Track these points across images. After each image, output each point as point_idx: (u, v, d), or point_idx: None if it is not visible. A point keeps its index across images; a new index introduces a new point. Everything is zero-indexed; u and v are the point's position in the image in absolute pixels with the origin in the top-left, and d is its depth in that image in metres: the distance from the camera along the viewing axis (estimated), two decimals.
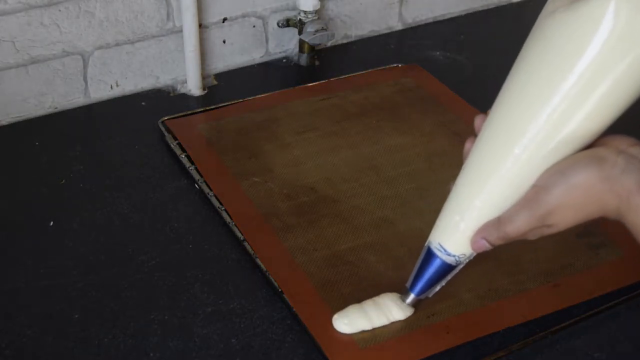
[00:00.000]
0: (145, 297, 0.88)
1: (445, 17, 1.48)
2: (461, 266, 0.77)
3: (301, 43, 1.32)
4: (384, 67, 1.30)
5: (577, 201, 0.65)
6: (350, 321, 0.82)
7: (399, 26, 1.45)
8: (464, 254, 0.75)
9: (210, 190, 1.02)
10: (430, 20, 1.47)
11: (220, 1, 1.25)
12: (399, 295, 0.84)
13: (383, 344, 0.81)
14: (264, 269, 0.90)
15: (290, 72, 1.32)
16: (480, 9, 1.49)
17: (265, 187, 1.03)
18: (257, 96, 1.22)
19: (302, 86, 1.26)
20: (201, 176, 1.04)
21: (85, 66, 1.18)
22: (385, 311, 0.83)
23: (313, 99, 1.21)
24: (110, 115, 1.19)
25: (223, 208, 0.99)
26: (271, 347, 0.82)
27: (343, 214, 0.98)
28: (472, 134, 0.73)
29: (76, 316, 0.85)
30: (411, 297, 0.81)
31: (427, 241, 0.77)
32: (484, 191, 0.70)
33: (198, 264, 0.92)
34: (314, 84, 1.26)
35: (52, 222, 0.98)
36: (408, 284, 0.81)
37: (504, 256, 0.92)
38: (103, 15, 1.16)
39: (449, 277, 0.78)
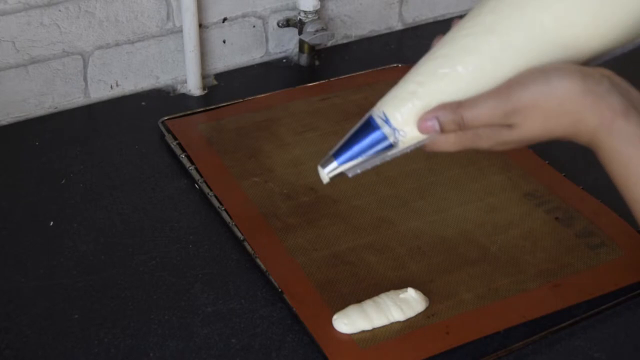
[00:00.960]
0: (145, 297, 0.88)
1: (445, 17, 1.48)
2: (394, 154, 0.67)
3: (301, 43, 1.32)
4: (384, 67, 1.30)
5: (550, 107, 0.59)
6: (350, 321, 0.82)
7: (399, 26, 1.45)
8: (405, 134, 0.65)
9: (210, 190, 1.02)
10: (430, 20, 1.47)
11: (220, 1, 1.25)
12: (399, 293, 0.84)
13: (383, 344, 0.81)
14: (264, 269, 0.90)
15: (290, 72, 1.32)
16: None
17: (265, 187, 1.03)
18: (257, 96, 1.22)
19: (302, 86, 1.26)
20: (201, 176, 1.04)
21: (85, 66, 1.18)
22: (385, 311, 0.83)
23: (313, 99, 1.21)
24: (110, 115, 1.19)
25: (223, 208, 0.99)
26: (271, 347, 0.82)
27: (343, 214, 0.98)
28: None
29: (76, 316, 0.85)
30: (333, 164, 0.68)
31: (370, 110, 0.68)
32: (451, 70, 0.63)
33: (198, 264, 0.92)
34: (314, 84, 1.26)
35: (52, 222, 0.98)
36: (332, 151, 0.69)
37: (504, 257, 0.92)
38: (103, 15, 1.16)
39: (378, 161, 0.68)
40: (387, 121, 0.66)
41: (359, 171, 0.68)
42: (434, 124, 0.63)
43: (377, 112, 0.67)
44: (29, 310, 0.86)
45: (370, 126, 0.67)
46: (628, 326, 0.86)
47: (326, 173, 0.69)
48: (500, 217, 0.98)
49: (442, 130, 0.63)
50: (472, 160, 1.08)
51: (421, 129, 0.64)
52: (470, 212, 0.99)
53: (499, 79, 0.61)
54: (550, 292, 0.88)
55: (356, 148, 0.67)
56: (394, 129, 0.65)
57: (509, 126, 0.61)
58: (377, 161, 0.67)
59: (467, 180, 1.04)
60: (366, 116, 0.68)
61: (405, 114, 0.65)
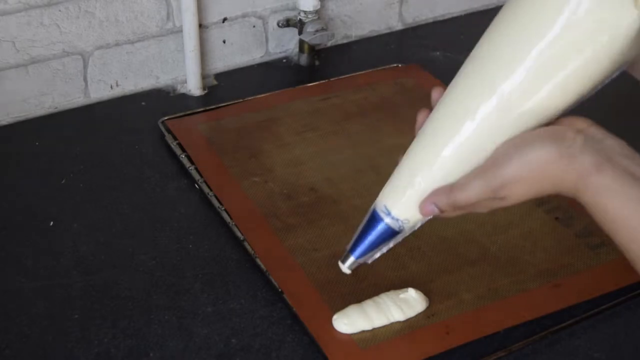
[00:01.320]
0: (145, 297, 0.88)
1: (445, 17, 1.48)
2: (404, 234, 0.74)
3: (301, 43, 1.32)
4: (384, 67, 1.30)
5: (532, 176, 0.64)
6: (350, 321, 0.82)
7: (399, 26, 1.45)
8: (408, 220, 0.72)
9: (210, 190, 1.02)
10: (430, 20, 1.47)
11: (220, 1, 1.25)
12: (399, 293, 0.84)
13: (383, 344, 0.81)
14: (264, 269, 0.90)
15: (290, 72, 1.32)
16: (480, 9, 1.49)
17: (265, 187, 1.03)
18: (257, 96, 1.22)
19: (302, 86, 1.26)
20: (201, 176, 1.04)
21: (85, 66, 1.18)
22: (385, 311, 0.83)
23: (313, 99, 1.21)
24: (110, 115, 1.19)
25: (223, 208, 0.99)
26: (271, 347, 0.82)
27: (343, 214, 0.98)
28: None
29: (76, 316, 0.85)
30: (350, 259, 0.76)
31: (374, 203, 0.74)
32: (437, 158, 0.68)
33: (198, 264, 0.92)
34: (314, 84, 1.26)
35: (52, 222, 0.98)
36: (348, 246, 0.76)
37: (504, 257, 0.92)
38: (103, 15, 1.16)
39: (391, 244, 0.75)
40: (389, 214, 0.72)
41: (377, 256, 0.76)
42: (433, 208, 0.69)
43: (379, 206, 0.73)
44: (29, 310, 0.86)
45: (375, 220, 0.74)
46: (628, 326, 0.86)
47: (347, 267, 0.77)
48: (500, 217, 0.98)
49: (440, 212, 0.69)
50: None
51: (423, 213, 0.70)
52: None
53: (481, 156, 0.66)
54: (550, 292, 0.88)
55: (367, 242, 0.75)
56: (397, 220, 0.72)
57: (501, 198, 0.66)
58: (390, 244, 0.75)
59: None
60: (371, 210, 0.74)
61: (404, 205, 0.71)
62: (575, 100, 0.65)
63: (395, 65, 1.31)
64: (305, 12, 1.28)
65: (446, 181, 0.68)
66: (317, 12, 1.29)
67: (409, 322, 0.83)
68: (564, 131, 0.64)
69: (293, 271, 0.89)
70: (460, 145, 0.67)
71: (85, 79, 1.19)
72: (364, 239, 0.75)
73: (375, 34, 1.43)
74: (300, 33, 1.29)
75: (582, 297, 0.87)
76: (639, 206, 0.61)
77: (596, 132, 0.64)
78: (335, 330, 0.82)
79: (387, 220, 0.73)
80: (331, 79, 1.27)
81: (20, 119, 1.17)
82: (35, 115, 1.17)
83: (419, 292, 0.85)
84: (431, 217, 0.72)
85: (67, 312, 0.86)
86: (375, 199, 1.03)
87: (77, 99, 1.20)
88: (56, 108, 1.19)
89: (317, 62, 1.34)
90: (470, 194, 0.66)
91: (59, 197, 1.02)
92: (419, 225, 0.74)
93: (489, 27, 0.68)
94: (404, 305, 0.84)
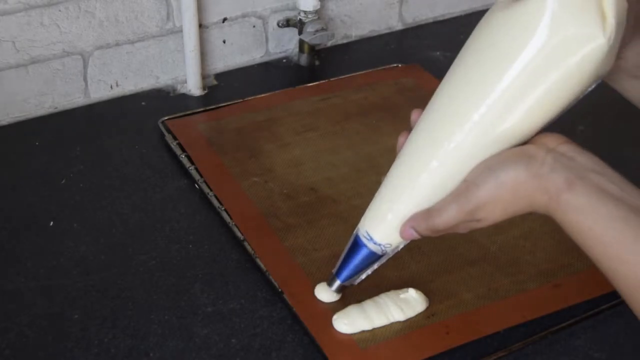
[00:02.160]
0: (145, 297, 0.88)
1: (445, 17, 1.48)
2: (387, 257, 0.77)
3: (301, 43, 1.32)
4: (384, 67, 1.30)
5: (505, 197, 0.65)
6: (350, 321, 0.82)
7: (399, 26, 1.45)
8: (390, 244, 0.75)
9: (210, 190, 1.02)
10: (430, 20, 1.47)
11: (220, 1, 1.25)
12: (399, 293, 0.84)
13: (383, 344, 0.81)
14: (264, 269, 0.90)
15: (290, 72, 1.32)
16: (480, 9, 1.49)
17: (265, 187, 1.03)
18: (257, 96, 1.22)
19: (302, 86, 1.26)
20: (201, 176, 1.04)
21: (85, 66, 1.18)
22: (385, 311, 0.83)
23: (313, 99, 1.21)
24: (110, 115, 1.19)
25: (223, 208, 0.99)
26: (271, 347, 0.82)
27: (343, 214, 0.98)
28: None
29: (76, 316, 0.85)
30: (337, 283, 0.82)
31: (356, 228, 0.77)
32: (414, 183, 0.70)
33: (198, 264, 0.92)
34: (314, 84, 1.26)
35: (52, 222, 0.98)
36: (334, 270, 0.81)
37: (504, 257, 0.92)
38: (103, 15, 1.16)
39: (375, 266, 0.79)
40: (370, 239, 0.75)
41: (363, 277, 0.81)
42: (412, 233, 0.71)
43: (361, 232, 0.76)
44: (29, 310, 0.86)
45: (358, 245, 0.77)
46: (628, 326, 0.86)
47: (333, 290, 0.83)
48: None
49: (420, 236, 0.71)
50: None
51: (403, 237, 0.73)
52: None
53: (457, 180, 0.68)
54: (550, 292, 0.88)
55: (352, 266, 0.79)
56: (378, 244, 0.75)
57: (478, 220, 0.68)
58: (375, 266, 0.79)
59: None
60: (353, 236, 0.78)
61: (384, 230, 0.74)
62: (548, 120, 0.66)
63: (395, 65, 1.31)
64: (305, 12, 1.28)
65: (424, 205, 0.70)
66: (317, 12, 1.29)
67: (409, 322, 0.83)
68: (535, 151, 0.65)
69: (293, 271, 0.89)
70: (435, 171, 0.69)
71: (85, 79, 1.19)
72: (349, 264, 0.79)
73: (375, 34, 1.43)
74: (300, 33, 1.29)
75: (582, 297, 0.87)
76: (610, 223, 0.61)
77: (568, 149, 0.65)
78: (335, 330, 0.82)
79: (370, 245, 0.76)
80: (331, 79, 1.27)
81: (20, 119, 1.17)
82: (35, 115, 1.17)
83: (419, 292, 0.85)
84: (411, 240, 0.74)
85: (67, 312, 0.86)
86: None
87: (77, 99, 1.20)
88: (56, 108, 1.19)
89: (317, 62, 1.34)
90: (447, 218, 0.68)
91: (59, 197, 1.02)
92: (401, 246, 0.76)
93: (462, 49, 0.69)
94: (404, 305, 0.84)
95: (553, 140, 0.66)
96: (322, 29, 1.28)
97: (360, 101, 1.21)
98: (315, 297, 0.86)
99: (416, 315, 0.84)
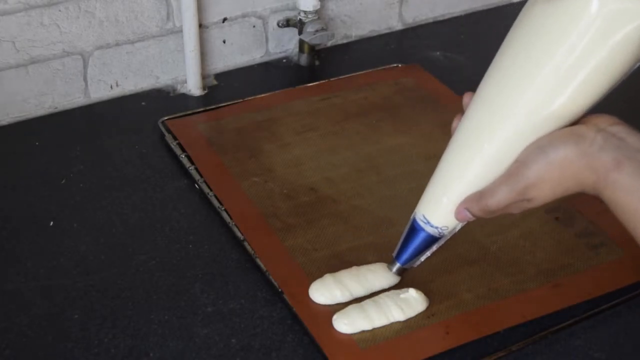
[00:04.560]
0: (145, 297, 0.88)
1: (445, 17, 1.48)
2: (445, 238, 0.80)
3: (301, 43, 1.32)
4: (384, 67, 1.30)
5: (554, 176, 0.66)
6: (350, 321, 0.82)
7: (399, 26, 1.45)
8: (447, 227, 0.78)
9: (210, 190, 1.02)
10: (430, 20, 1.47)
11: (220, 1, 1.25)
12: (399, 293, 0.84)
13: (383, 344, 0.81)
14: (264, 269, 0.90)
15: (290, 72, 1.32)
16: (480, 9, 1.49)
17: (265, 187, 1.03)
18: (257, 96, 1.22)
19: (302, 86, 1.26)
20: (201, 176, 1.04)
21: (85, 66, 1.18)
22: (385, 311, 0.83)
23: (313, 99, 1.21)
24: (110, 115, 1.19)
25: (223, 208, 0.99)
26: (271, 347, 0.82)
27: (343, 214, 0.98)
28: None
29: (76, 316, 0.85)
30: (397, 266, 0.84)
31: (413, 213, 0.80)
32: (467, 167, 0.72)
33: (198, 264, 0.92)
34: (314, 84, 1.26)
35: (52, 222, 0.98)
36: (394, 254, 0.84)
37: (504, 257, 0.92)
38: (103, 15, 1.16)
39: (434, 248, 0.81)
40: (427, 223, 0.78)
41: (422, 259, 0.83)
42: (467, 214, 0.74)
43: (418, 216, 0.79)
44: (29, 310, 0.86)
45: (416, 230, 0.80)
46: (628, 326, 0.86)
47: (394, 272, 0.86)
48: (500, 217, 0.98)
49: (474, 217, 0.74)
50: None
51: (458, 219, 0.76)
52: None
53: (507, 162, 0.70)
54: (550, 292, 0.88)
55: (411, 249, 0.82)
56: (436, 227, 0.78)
57: (528, 199, 0.69)
58: (434, 248, 0.81)
59: None
60: (411, 220, 0.81)
61: (441, 214, 0.76)
62: (596, 99, 0.67)
63: (395, 65, 1.31)
64: (305, 12, 1.28)
65: (477, 188, 0.72)
66: (317, 12, 1.29)
67: (409, 322, 0.83)
68: (585, 130, 0.66)
69: (293, 271, 0.89)
70: (487, 154, 0.71)
71: (85, 79, 1.19)
72: (408, 247, 0.82)
73: (375, 34, 1.43)
74: (300, 33, 1.30)
75: (582, 297, 0.87)
76: None
77: (618, 130, 0.66)
78: (335, 330, 0.82)
79: (427, 228, 0.79)
80: (331, 79, 1.27)
81: (20, 119, 1.17)
82: (35, 115, 1.17)
83: (419, 292, 0.85)
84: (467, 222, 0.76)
85: (67, 312, 0.86)
86: (375, 199, 1.03)
87: (77, 99, 1.20)
88: (56, 108, 1.19)
89: (317, 62, 1.34)
90: (499, 199, 0.70)
91: (59, 197, 1.02)
92: (458, 227, 0.79)
93: (507, 37, 0.70)
94: (404, 305, 0.84)
95: (604, 121, 0.66)
96: (322, 29, 1.28)
97: (360, 101, 1.21)
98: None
99: (416, 315, 0.84)
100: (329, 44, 1.37)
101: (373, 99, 1.22)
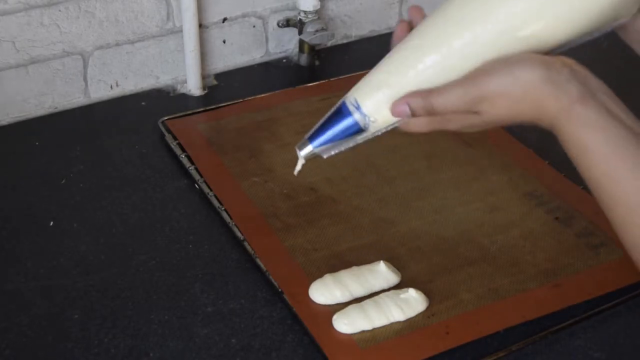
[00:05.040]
0: (145, 297, 0.88)
1: None
2: (365, 137, 0.72)
3: (301, 43, 1.32)
4: None
5: (515, 94, 0.64)
6: (350, 321, 0.82)
7: None
8: (376, 120, 0.70)
9: (210, 190, 1.02)
10: None
11: (220, 1, 1.25)
12: (399, 293, 0.84)
13: (383, 344, 0.81)
14: (264, 269, 0.90)
15: (290, 72, 1.32)
16: None
17: (265, 187, 1.03)
18: (257, 96, 1.22)
19: (302, 86, 1.26)
20: (201, 176, 1.04)
21: (85, 66, 1.18)
22: (385, 311, 0.83)
23: (313, 99, 1.21)
24: (110, 115, 1.19)
25: (223, 208, 0.99)
26: (271, 347, 0.82)
27: (343, 214, 0.98)
28: None
29: (76, 316, 0.85)
30: (308, 147, 0.74)
31: (344, 96, 0.72)
32: (420, 62, 0.67)
33: (198, 264, 0.92)
34: (314, 84, 1.26)
35: (52, 222, 0.98)
36: (308, 134, 0.74)
37: (504, 257, 0.92)
38: (103, 15, 1.16)
39: (350, 144, 0.73)
40: (358, 108, 0.70)
41: (333, 153, 0.73)
42: (405, 109, 0.68)
43: (349, 99, 0.71)
44: (29, 310, 0.86)
45: (342, 112, 0.71)
46: (628, 326, 0.86)
47: (302, 155, 0.75)
48: (500, 217, 0.98)
49: (413, 114, 0.68)
50: (472, 160, 1.08)
51: (394, 112, 0.69)
52: (470, 212, 0.99)
53: (465, 69, 0.66)
54: (550, 292, 0.88)
55: (329, 133, 0.72)
56: (364, 115, 0.70)
57: (476, 112, 0.65)
58: (350, 144, 0.72)
59: (467, 180, 1.04)
60: (339, 102, 0.72)
61: (375, 102, 0.69)
62: (566, 38, 0.66)
63: None
64: (305, 12, 1.28)
65: (426, 85, 0.67)
66: (317, 12, 1.29)
67: (409, 322, 0.83)
68: (554, 61, 0.65)
69: (293, 271, 0.89)
70: (448, 55, 0.66)
71: (85, 79, 1.19)
72: (326, 130, 0.73)
73: (375, 34, 1.43)
74: (300, 33, 1.29)
75: (582, 297, 0.87)
76: (617, 142, 0.62)
77: (582, 69, 0.65)
78: (335, 330, 0.82)
79: (355, 114, 0.71)
80: (331, 79, 1.27)
81: (20, 119, 1.17)
82: (35, 115, 1.17)
83: (419, 292, 0.85)
84: (396, 123, 0.70)
85: (67, 312, 0.86)
86: (375, 199, 1.03)
87: (77, 99, 1.20)
88: (56, 108, 1.19)
89: (317, 62, 1.34)
90: (448, 100, 0.66)
91: (59, 197, 1.02)
92: (383, 129, 0.71)
93: None
94: (404, 305, 0.84)
95: (570, 61, 0.66)
96: (322, 29, 1.28)
97: None
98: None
99: (416, 315, 0.84)
100: (329, 44, 1.37)
101: None
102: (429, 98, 0.66)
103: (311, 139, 0.74)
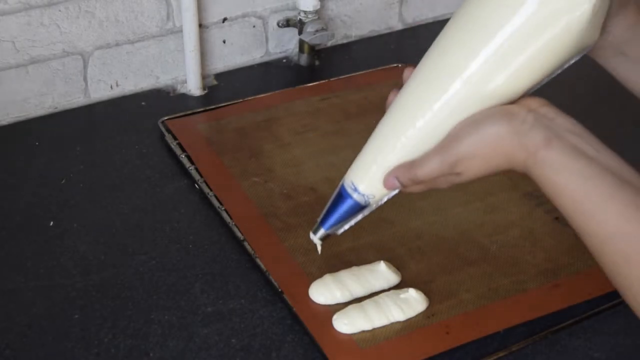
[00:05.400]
0: (145, 297, 0.88)
1: (445, 17, 1.47)
2: (371, 208, 0.78)
3: (301, 43, 1.32)
4: (384, 67, 1.30)
5: (485, 152, 0.68)
6: (350, 321, 0.82)
7: (399, 26, 1.45)
8: (374, 195, 0.76)
9: (210, 190, 1.02)
10: (430, 20, 1.47)
11: (220, 1, 1.25)
12: (399, 293, 0.84)
13: (383, 344, 0.81)
14: (264, 269, 0.90)
15: (290, 72, 1.32)
16: None
17: (265, 187, 1.03)
18: (257, 96, 1.22)
19: (302, 86, 1.26)
20: (201, 176, 1.04)
21: (85, 66, 1.18)
22: (385, 311, 0.83)
23: (313, 99, 1.21)
24: (110, 115, 1.19)
25: (223, 208, 0.99)
26: (271, 347, 0.82)
27: None
28: None
29: (76, 316, 0.85)
30: (321, 231, 0.81)
31: (342, 179, 0.79)
32: (400, 136, 0.72)
33: (198, 264, 0.92)
34: (314, 84, 1.26)
35: (52, 222, 0.98)
36: (319, 219, 0.82)
37: (504, 257, 0.92)
38: (103, 15, 1.16)
39: (359, 217, 0.79)
40: (355, 189, 0.77)
41: (346, 227, 0.80)
42: (395, 183, 0.73)
43: (347, 182, 0.78)
44: (29, 310, 0.86)
45: (343, 196, 0.79)
46: (628, 326, 0.86)
47: (317, 238, 0.82)
48: (500, 217, 0.98)
49: (402, 186, 0.73)
50: None
51: (386, 187, 0.75)
52: (470, 212, 0.99)
53: (441, 135, 0.70)
54: (550, 292, 0.88)
55: (336, 215, 0.80)
56: (363, 195, 0.77)
57: (457, 173, 0.70)
58: (359, 216, 0.79)
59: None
60: (339, 185, 0.79)
61: (369, 180, 0.75)
62: (532, 84, 0.69)
63: (395, 65, 1.31)
64: (305, 12, 1.28)
65: (407, 158, 0.72)
66: (317, 12, 1.29)
67: (409, 322, 0.83)
68: (517, 110, 0.67)
69: (293, 271, 0.89)
70: (421, 126, 0.71)
71: (85, 79, 1.19)
72: (333, 213, 0.80)
73: (375, 34, 1.43)
74: (300, 33, 1.29)
75: (582, 297, 0.87)
76: (582, 180, 0.64)
77: (548, 111, 0.67)
78: (335, 330, 0.82)
79: (355, 195, 0.77)
80: (331, 79, 1.27)
81: (20, 119, 1.17)
82: (35, 115, 1.17)
83: (419, 292, 0.85)
84: (396, 192, 0.76)
85: (67, 312, 0.86)
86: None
87: (77, 99, 1.20)
88: (56, 108, 1.19)
89: (317, 62, 1.34)
90: (429, 170, 0.70)
91: (59, 197, 1.02)
92: (384, 199, 0.77)
93: (452, 16, 0.71)
94: (404, 305, 0.84)
95: (535, 102, 0.68)
96: (322, 29, 1.28)
97: (360, 101, 1.21)
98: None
99: (416, 315, 0.84)
100: (329, 44, 1.37)
101: (373, 99, 1.22)
102: (412, 170, 0.71)
103: (322, 223, 0.81)
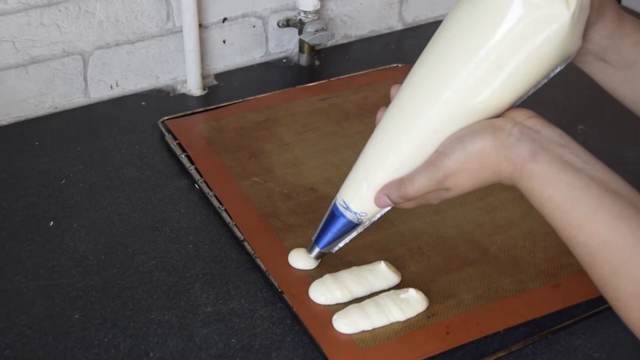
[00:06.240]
0: (145, 297, 0.88)
1: None
2: (363, 226, 0.81)
3: (301, 43, 1.32)
4: (384, 67, 1.30)
5: (473, 167, 0.68)
6: (350, 321, 0.82)
7: (399, 26, 1.45)
8: (366, 213, 0.78)
9: (210, 190, 1.02)
10: (430, 20, 1.47)
11: (220, 1, 1.25)
12: (399, 293, 0.84)
13: (383, 344, 0.81)
14: (264, 269, 0.90)
15: (290, 72, 1.32)
16: None
17: (265, 187, 1.03)
18: (257, 96, 1.22)
19: (302, 86, 1.26)
20: (201, 176, 1.04)
21: (85, 66, 1.18)
22: (385, 311, 0.83)
23: (313, 99, 1.21)
24: (110, 115, 1.19)
25: (223, 208, 0.99)
26: (271, 347, 0.82)
27: None
28: None
29: (76, 316, 0.85)
30: (316, 250, 0.85)
31: (334, 198, 0.81)
32: (389, 155, 0.74)
33: (198, 264, 0.92)
34: (314, 84, 1.26)
35: (52, 222, 0.98)
36: (313, 238, 0.85)
37: (504, 257, 0.92)
38: (103, 15, 1.16)
39: (353, 234, 0.82)
40: (347, 208, 0.79)
41: (341, 245, 0.84)
42: (385, 201, 0.75)
43: (339, 201, 0.80)
44: (29, 310, 0.86)
45: (335, 215, 0.81)
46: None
47: (312, 256, 0.87)
48: (500, 217, 0.98)
49: (393, 203, 0.75)
50: None
51: (377, 204, 0.76)
52: (470, 212, 0.99)
53: (428, 152, 0.71)
54: (550, 292, 0.88)
55: (330, 234, 0.83)
56: (355, 213, 0.79)
57: (446, 189, 0.71)
58: (353, 234, 0.82)
59: None
60: (332, 205, 0.81)
61: (360, 199, 0.77)
62: (517, 96, 0.69)
63: (395, 65, 1.31)
64: (305, 12, 1.28)
65: (398, 176, 0.74)
66: (317, 12, 1.29)
67: (409, 322, 0.83)
68: (503, 123, 0.68)
69: (293, 271, 0.89)
70: (409, 143, 0.72)
71: (85, 79, 1.19)
72: (327, 232, 0.83)
73: (375, 34, 1.43)
74: (300, 33, 1.30)
75: (582, 297, 0.87)
76: (569, 191, 0.64)
77: (534, 123, 0.68)
78: (335, 330, 0.82)
79: (347, 214, 0.80)
80: (331, 79, 1.27)
81: (20, 119, 1.17)
82: (35, 115, 1.17)
83: (419, 292, 0.85)
84: (388, 208, 0.77)
85: (67, 312, 0.86)
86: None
87: (77, 99, 1.20)
88: (56, 108, 1.19)
89: (317, 62, 1.34)
90: (418, 187, 0.71)
91: (59, 197, 1.02)
92: (377, 216, 0.79)
93: (437, 31, 0.72)
94: (404, 305, 0.84)
95: (521, 115, 0.69)
96: (322, 29, 1.28)
97: (360, 101, 1.21)
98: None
99: (416, 315, 0.84)
100: (329, 44, 1.38)
101: (373, 99, 1.22)
102: (402, 188, 0.73)
103: (317, 241, 0.85)
